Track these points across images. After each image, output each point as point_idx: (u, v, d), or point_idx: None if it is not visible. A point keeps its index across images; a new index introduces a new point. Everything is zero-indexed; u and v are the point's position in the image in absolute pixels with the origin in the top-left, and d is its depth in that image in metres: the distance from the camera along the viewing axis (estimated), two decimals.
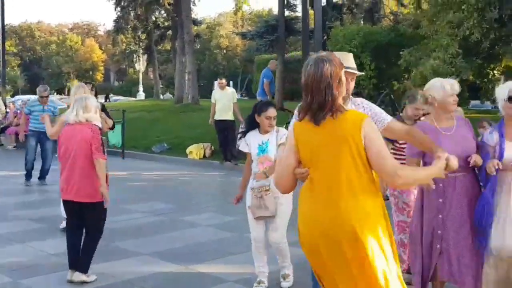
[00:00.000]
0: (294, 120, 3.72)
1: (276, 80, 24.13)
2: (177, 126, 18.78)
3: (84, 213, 5.59)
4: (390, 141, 5.18)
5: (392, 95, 14.74)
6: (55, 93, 51.53)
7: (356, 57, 15.77)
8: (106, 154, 5.72)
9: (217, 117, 13.42)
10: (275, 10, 65.46)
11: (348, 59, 3.91)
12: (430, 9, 13.74)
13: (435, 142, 4.19)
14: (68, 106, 6.88)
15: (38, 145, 11.32)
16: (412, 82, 11.52)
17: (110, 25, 77.43)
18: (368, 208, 3.09)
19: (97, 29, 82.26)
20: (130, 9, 35.41)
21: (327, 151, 3.13)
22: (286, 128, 12.95)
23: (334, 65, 3.13)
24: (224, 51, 68.09)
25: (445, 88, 4.51)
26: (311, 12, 20.26)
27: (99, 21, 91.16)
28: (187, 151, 15.23)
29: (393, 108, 15.31)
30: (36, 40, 77.55)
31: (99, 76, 73.26)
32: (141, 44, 39.57)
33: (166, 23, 37.71)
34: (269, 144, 5.30)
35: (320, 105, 3.10)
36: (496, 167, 4.11)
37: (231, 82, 46.81)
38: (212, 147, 15.03)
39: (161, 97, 38.21)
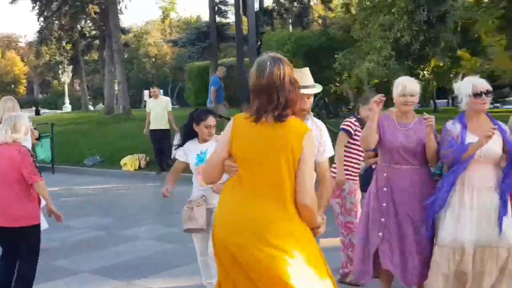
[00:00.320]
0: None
1: (210, 87, 24.04)
2: (109, 137, 18.29)
3: (19, 238, 5.16)
4: (348, 134, 5.55)
5: (326, 99, 14.86)
6: None
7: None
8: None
9: (152, 126, 13.17)
10: (204, 17, 65.18)
11: (304, 77, 3.68)
12: (359, 13, 13.97)
13: (392, 133, 4.60)
14: None
15: None
16: (348, 84, 11.65)
17: (32, 37, 75.07)
18: (289, 217, 3.03)
19: (18, 41, 79.55)
20: (54, 19, 34.31)
21: (264, 153, 3.05)
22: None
23: (290, 65, 3.11)
24: (153, 59, 67.33)
25: (397, 88, 4.63)
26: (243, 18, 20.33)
27: (19, 33, 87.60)
28: (121, 163, 14.82)
29: (327, 111, 15.47)
30: None
31: (21, 89, 70.82)
32: (66, 54, 38.51)
33: (92, 33, 36.87)
34: (208, 153, 4.95)
35: (284, 105, 3.03)
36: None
37: (161, 91, 46.54)
38: (147, 158, 14.68)
39: (93, 108, 37.30)
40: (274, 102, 3.01)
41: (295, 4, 29.81)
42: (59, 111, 40.69)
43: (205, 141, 5.04)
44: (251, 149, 3.09)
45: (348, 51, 12.39)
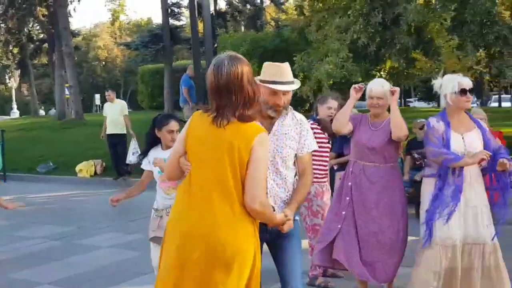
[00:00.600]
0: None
1: (165, 90, 23.83)
2: (62, 143, 17.87)
3: None
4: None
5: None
6: None
7: None
8: None
9: (108, 131, 12.98)
10: (155, 19, 64.66)
11: (281, 72, 3.48)
12: (314, 15, 14.04)
13: (362, 132, 4.79)
14: None
15: None
16: (308, 86, 11.68)
17: None
18: (240, 219, 2.98)
19: None
20: (1, 22, 33.36)
21: (212, 152, 3.02)
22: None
23: (248, 64, 3.06)
24: (103, 63, 66.36)
25: (368, 88, 4.82)
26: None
27: None
28: (76, 169, 14.49)
29: None
30: None
31: None
32: (14, 58, 37.50)
33: (40, 36, 35.99)
34: None
35: (243, 104, 2.99)
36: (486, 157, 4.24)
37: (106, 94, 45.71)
38: (104, 164, 14.40)
39: (45, 113, 36.44)
40: (232, 102, 2.98)
41: (248, 6, 29.85)
42: (7, 117, 39.62)
43: (168, 147, 4.79)
44: (202, 148, 3.06)
45: (306, 53, 12.43)
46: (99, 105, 50.83)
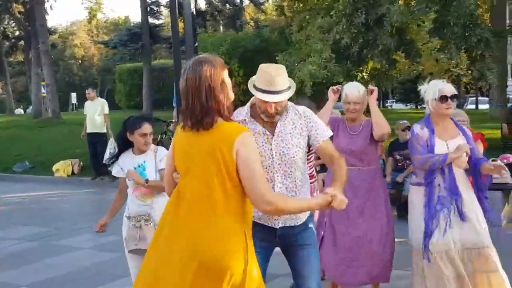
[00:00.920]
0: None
1: (144, 89, 23.66)
2: (39, 142, 17.63)
3: None
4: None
5: None
6: None
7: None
8: None
9: (88, 130, 12.86)
10: (133, 18, 64.16)
11: (271, 81, 3.27)
12: (296, 16, 14.00)
13: (340, 136, 4.75)
14: None
15: None
16: None
17: None
18: (226, 232, 2.78)
19: None
20: None
21: (195, 162, 2.85)
22: (161, 138, 12.71)
23: (214, 67, 2.83)
24: (80, 61, 65.73)
25: (343, 94, 4.74)
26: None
27: None
28: (54, 168, 14.27)
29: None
30: None
31: None
32: None
33: (17, 33, 35.48)
34: (147, 167, 4.54)
35: (201, 110, 2.80)
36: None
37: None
38: (81, 163, 14.21)
39: (23, 112, 35.93)
40: (190, 108, 2.83)
41: (228, 6, 29.78)
42: None
43: (141, 151, 4.57)
44: (185, 158, 2.92)
45: (288, 53, 12.38)
46: (76, 104, 50.35)
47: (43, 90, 26.00)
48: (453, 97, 4.29)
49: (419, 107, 35.23)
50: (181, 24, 16.47)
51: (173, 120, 13.06)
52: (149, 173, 4.50)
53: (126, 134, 4.54)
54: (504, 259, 4.35)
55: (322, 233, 4.76)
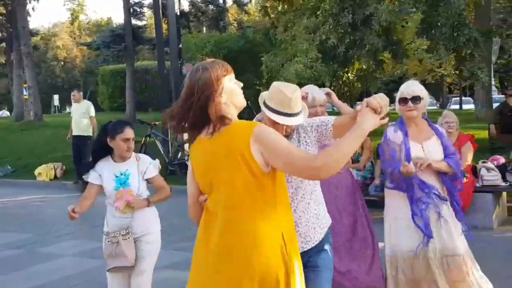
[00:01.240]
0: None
1: (127, 91, 23.45)
2: (20, 146, 17.38)
3: None
4: None
5: (249, 102, 14.74)
6: None
7: None
8: None
9: (73, 132, 12.70)
10: (115, 19, 63.74)
11: (287, 102, 3.08)
12: (280, 16, 13.92)
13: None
14: None
15: None
16: None
17: None
18: (261, 238, 2.57)
19: None
20: None
21: (216, 172, 2.65)
22: (145, 141, 12.54)
23: (209, 72, 2.64)
24: (62, 63, 65.23)
25: (310, 97, 4.42)
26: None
27: None
28: (36, 172, 14.03)
29: (250, 115, 15.38)
30: None
31: None
32: None
33: None
34: (130, 176, 4.32)
35: (199, 119, 2.64)
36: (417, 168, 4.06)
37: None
38: (64, 167, 14.00)
39: (8, 113, 35.49)
40: (195, 116, 2.64)
41: (211, 7, 29.64)
42: None
43: (123, 158, 4.34)
44: (206, 173, 2.71)
45: (273, 54, 12.28)
46: (58, 106, 49.88)
47: (25, 92, 25.68)
48: (414, 99, 4.15)
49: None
50: (164, 26, 16.32)
51: (157, 123, 12.91)
52: (132, 182, 4.31)
53: (105, 140, 4.29)
54: (495, 262, 4.31)
55: None
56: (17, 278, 6.48)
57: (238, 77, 2.89)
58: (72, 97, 12.92)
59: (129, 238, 4.24)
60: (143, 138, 12.36)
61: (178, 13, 19.94)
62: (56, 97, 47.48)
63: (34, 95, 22.30)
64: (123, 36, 25.45)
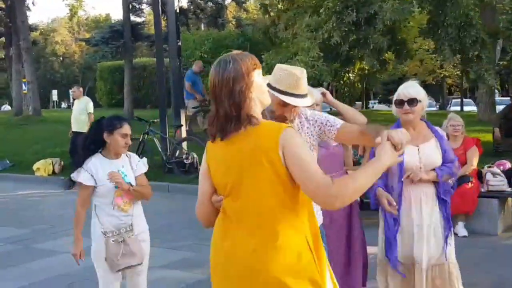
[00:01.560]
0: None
1: (125, 87, 23.42)
2: (19, 140, 17.31)
3: None
4: None
5: None
6: None
7: (207, 63, 15.69)
8: None
9: (72, 128, 12.88)
10: (114, 15, 63.67)
11: (295, 83, 3.06)
12: (281, 14, 13.88)
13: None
14: None
15: None
16: None
17: None
18: (290, 248, 2.43)
19: None
20: None
21: (238, 173, 2.49)
22: (143, 138, 12.50)
23: (240, 65, 2.47)
24: (61, 58, 65.13)
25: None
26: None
27: None
28: (34, 167, 13.96)
29: None
30: None
31: None
32: None
33: None
34: (128, 174, 4.21)
35: (225, 116, 2.45)
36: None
37: (70, 91, 45.06)
38: (62, 162, 13.94)
39: (9, 108, 35.42)
40: (216, 115, 2.49)
41: (210, 4, 29.60)
42: None
43: (117, 155, 4.21)
44: (226, 174, 2.54)
45: (274, 52, 12.22)
46: (56, 101, 49.80)
47: (24, 87, 25.65)
48: (411, 101, 4.00)
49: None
50: (163, 23, 16.29)
51: (155, 120, 12.88)
52: (130, 179, 4.21)
53: (100, 135, 4.13)
54: (500, 269, 4.25)
55: None
56: (13, 274, 6.42)
57: None
58: (72, 93, 13.01)
59: (132, 235, 4.17)
60: (141, 136, 12.31)
61: (178, 10, 19.88)
62: (54, 92, 47.43)
63: (33, 90, 22.28)
64: (121, 32, 25.42)
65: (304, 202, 2.54)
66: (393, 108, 4.17)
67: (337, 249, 4.52)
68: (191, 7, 29.26)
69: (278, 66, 3.13)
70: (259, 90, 2.53)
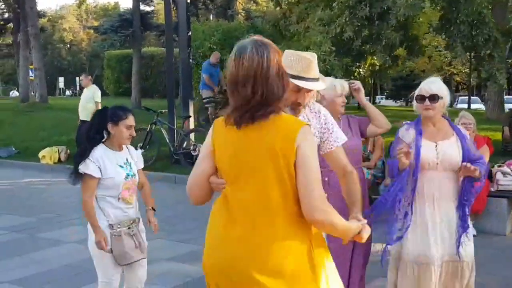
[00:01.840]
0: None
1: (133, 76, 23.34)
2: (25, 127, 17.26)
3: None
4: None
5: None
6: None
7: None
8: None
9: (80, 117, 12.84)
10: (122, 4, 63.47)
11: (307, 67, 3.01)
12: (293, 7, 13.76)
13: None
14: None
15: None
16: None
17: None
18: (290, 244, 2.42)
19: None
20: None
21: (248, 165, 2.44)
22: (151, 128, 12.41)
23: (277, 51, 2.45)
24: (68, 45, 65.14)
25: (336, 88, 4.46)
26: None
27: None
28: (40, 155, 13.90)
29: None
30: None
31: None
32: None
33: (6, 15, 34.89)
34: (133, 165, 4.20)
35: (264, 100, 2.39)
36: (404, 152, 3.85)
37: (77, 79, 45.04)
38: (68, 151, 13.87)
39: (18, 94, 35.43)
40: (252, 98, 2.39)
41: None
42: None
43: (120, 147, 4.15)
44: (234, 161, 2.48)
45: (286, 45, 12.12)
46: (63, 88, 49.82)
47: (31, 74, 25.61)
48: (432, 97, 3.94)
49: (409, 104, 35.21)
50: (173, 12, 16.18)
51: (163, 111, 12.79)
52: (134, 173, 4.19)
53: (104, 125, 4.06)
54: (508, 269, 4.17)
55: None
56: (18, 264, 6.35)
57: None
58: (80, 81, 12.97)
59: (139, 227, 4.20)
60: (149, 126, 12.22)
61: (188, 0, 19.78)
62: (61, 80, 47.44)
63: (40, 77, 22.22)
64: (131, 21, 25.30)
65: None
66: (414, 104, 4.12)
67: (342, 247, 4.44)
68: None
69: (288, 51, 3.09)
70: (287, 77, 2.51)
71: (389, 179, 8.25)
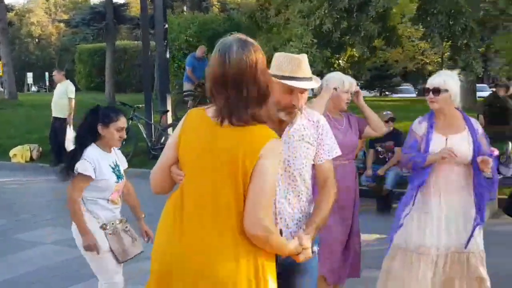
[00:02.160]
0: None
1: (107, 70, 22.90)
2: None
3: None
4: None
5: None
6: None
7: (192, 47, 15.33)
8: None
9: (53, 113, 12.34)
10: None
11: (298, 67, 2.88)
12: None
13: (339, 132, 4.30)
14: None
15: None
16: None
17: None
18: (232, 249, 2.37)
19: None
20: None
21: (209, 161, 2.40)
22: (128, 124, 12.11)
23: (261, 52, 2.44)
24: (37, 40, 63.99)
25: (344, 83, 4.51)
26: None
27: None
28: (10, 154, 13.46)
29: None
30: None
31: None
32: None
33: None
34: (121, 167, 4.17)
35: (249, 101, 2.36)
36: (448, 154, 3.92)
37: (46, 74, 44.19)
38: (40, 149, 13.48)
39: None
40: (242, 98, 2.35)
41: None
42: None
43: (109, 148, 4.10)
44: (198, 156, 2.44)
45: (266, 38, 11.95)
46: (31, 84, 48.85)
47: None
48: (434, 90, 4.03)
49: (382, 94, 35.37)
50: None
51: (140, 106, 12.49)
52: (122, 173, 4.16)
53: (96, 125, 3.97)
54: (488, 256, 4.19)
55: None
56: None
57: None
58: (52, 76, 12.54)
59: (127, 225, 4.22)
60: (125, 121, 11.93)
61: None
62: (30, 75, 46.51)
63: (8, 72, 21.72)
64: (103, 14, 24.87)
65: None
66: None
67: (337, 237, 4.42)
68: None
69: (278, 54, 3.00)
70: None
71: (371, 170, 8.28)
